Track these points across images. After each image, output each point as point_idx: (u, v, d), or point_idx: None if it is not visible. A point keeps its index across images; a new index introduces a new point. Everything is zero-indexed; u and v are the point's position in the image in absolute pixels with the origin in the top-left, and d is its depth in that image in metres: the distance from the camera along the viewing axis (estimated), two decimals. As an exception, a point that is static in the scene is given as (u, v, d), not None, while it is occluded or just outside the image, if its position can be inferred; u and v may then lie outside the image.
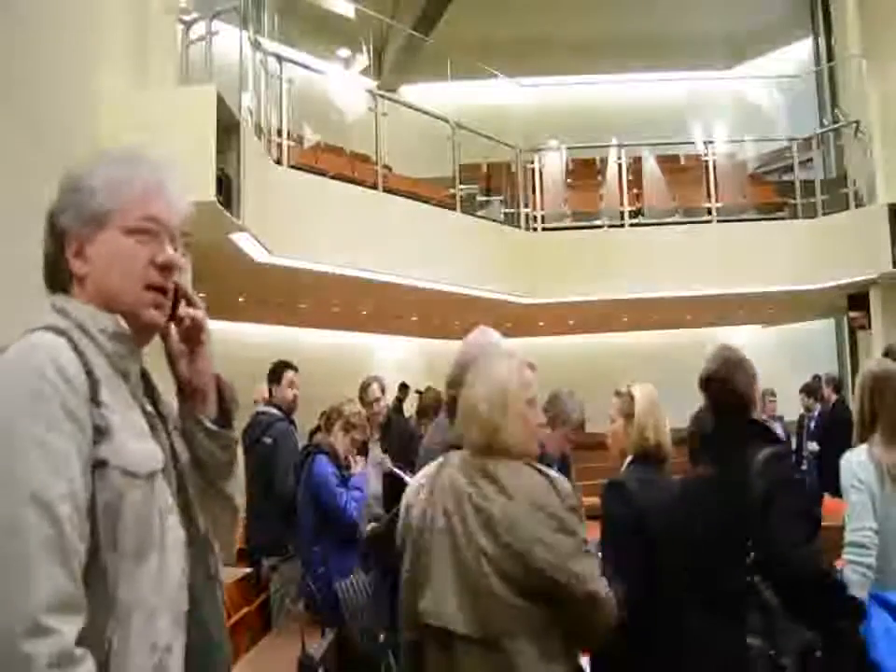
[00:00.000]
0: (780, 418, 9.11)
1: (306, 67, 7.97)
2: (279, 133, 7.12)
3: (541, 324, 11.29)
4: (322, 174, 7.53)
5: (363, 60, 11.53)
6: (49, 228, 1.29)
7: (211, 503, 1.36)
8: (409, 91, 12.56)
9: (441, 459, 2.16)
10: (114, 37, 4.67)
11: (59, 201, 1.28)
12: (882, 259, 8.70)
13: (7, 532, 1.04)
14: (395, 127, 8.68)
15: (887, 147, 9.25)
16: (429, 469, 2.17)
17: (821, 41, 12.33)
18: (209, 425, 1.35)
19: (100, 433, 1.14)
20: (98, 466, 1.13)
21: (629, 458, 2.67)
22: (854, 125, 9.93)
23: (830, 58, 11.99)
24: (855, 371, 9.77)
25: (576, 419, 3.60)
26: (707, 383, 2.70)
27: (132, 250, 1.25)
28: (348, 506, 4.09)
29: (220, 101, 4.81)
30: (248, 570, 4.69)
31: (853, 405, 2.85)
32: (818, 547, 2.43)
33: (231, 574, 4.67)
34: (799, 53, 13.18)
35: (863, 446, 2.75)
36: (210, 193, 4.58)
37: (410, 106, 9.85)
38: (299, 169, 7.19)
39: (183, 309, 1.31)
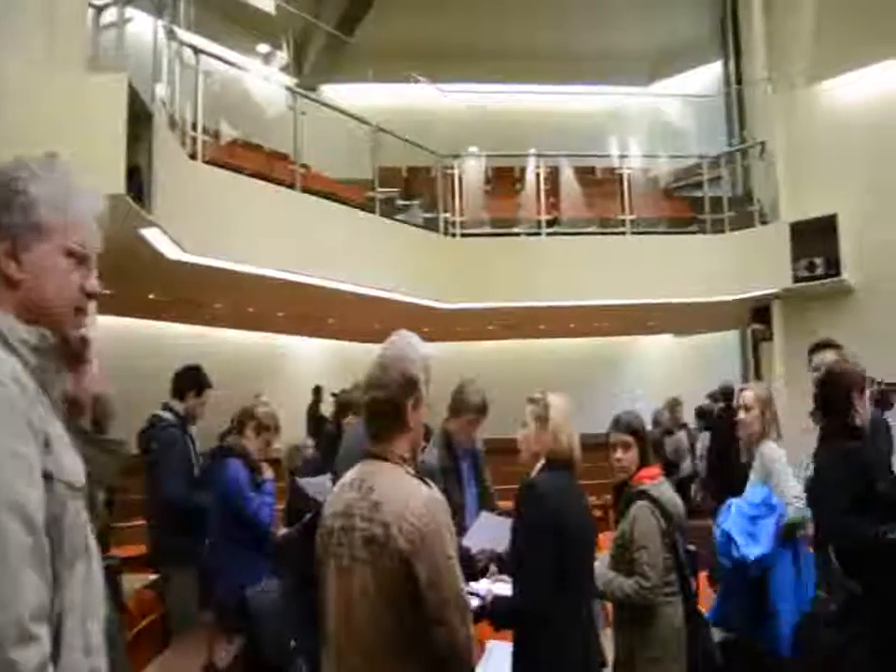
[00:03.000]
0: (685, 425, 9.43)
1: (224, 61, 7.78)
2: (194, 126, 6.91)
3: (459, 329, 11.34)
4: (239, 170, 7.36)
5: (283, 57, 11.34)
6: None
7: None
8: (329, 91, 12.45)
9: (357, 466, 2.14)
10: (20, 20, 4.46)
11: None
12: (783, 275, 9.14)
13: None
14: (314, 126, 8.57)
15: (789, 169, 9.71)
16: (347, 476, 2.15)
17: (731, 64, 12.81)
18: (99, 436, 1.42)
19: (45, 445, 1.16)
20: (46, 477, 1.15)
21: (541, 463, 2.71)
22: (760, 146, 10.38)
23: (739, 81, 12.48)
24: (758, 379, 10.18)
25: (475, 403, 3.65)
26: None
27: (68, 272, 1.28)
28: (260, 511, 4.01)
29: (132, 90, 4.65)
30: (153, 577, 4.54)
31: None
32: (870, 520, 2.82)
33: (137, 581, 4.52)
34: (711, 75, 13.68)
35: None
36: (119, 186, 4.42)
37: (329, 106, 9.74)
38: (214, 165, 7.00)
39: None
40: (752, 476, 3.62)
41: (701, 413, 9.30)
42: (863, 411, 3.14)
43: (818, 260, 9.01)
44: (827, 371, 3.33)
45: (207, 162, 6.90)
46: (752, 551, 3.25)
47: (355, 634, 1.97)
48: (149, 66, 5.99)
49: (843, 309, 8.94)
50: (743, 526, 3.31)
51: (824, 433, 3.23)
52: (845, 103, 9.41)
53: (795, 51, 9.52)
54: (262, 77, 9.17)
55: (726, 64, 13.05)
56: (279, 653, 3.74)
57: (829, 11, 8.81)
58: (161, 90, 6.19)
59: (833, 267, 8.94)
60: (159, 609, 4.44)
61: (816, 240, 9.00)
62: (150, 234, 5.33)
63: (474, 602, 2.58)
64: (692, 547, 3.14)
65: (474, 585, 2.95)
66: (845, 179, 9.08)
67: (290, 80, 11.27)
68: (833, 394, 3.16)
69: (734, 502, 3.46)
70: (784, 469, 3.57)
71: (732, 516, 3.37)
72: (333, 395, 6.78)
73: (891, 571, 2.71)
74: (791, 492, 3.46)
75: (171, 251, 5.87)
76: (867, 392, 3.26)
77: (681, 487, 7.61)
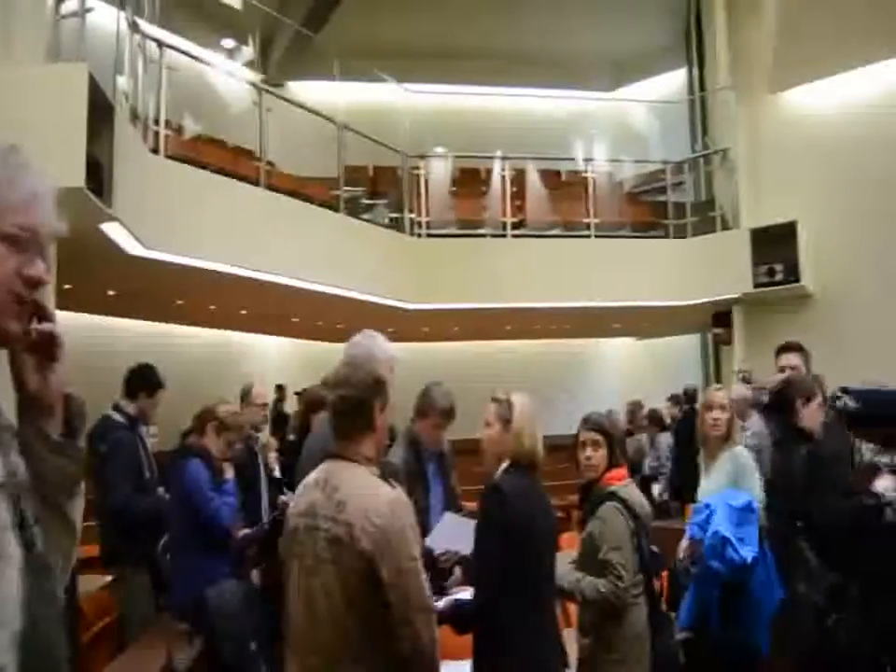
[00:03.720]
0: (644, 427, 9.52)
1: (188, 55, 7.66)
2: (156, 120, 6.78)
3: (426, 329, 11.32)
4: (202, 166, 7.25)
5: (249, 52, 11.23)
6: None
7: (50, 525, 1.26)
8: (295, 88, 12.35)
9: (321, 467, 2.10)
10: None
11: None
12: (743, 281, 9.29)
13: None
14: (280, 123, 8.48)
15: (750, 176, 9.88)
16: (311, 475, 2.11)
17: (695, 72, 12.98)
18: (57, 439, 1.27)
19: None
20: None
21: (505, 464, 2.70)
22: (722, 153, 10.53)
23: (702, 88, 12.64)
24: (718, 382, 10.33)
25: (441, 406, 3.62)
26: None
27: (2, 256, 1.17)
28: (220, 512, 3.95)
29: (92, 81, 4.54)
30: (109, 578, 4.45)
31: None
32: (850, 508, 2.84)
33: (92, 583, 4.43)
34: (675, 81, 13.85)
35: None
36: (79, 179, 4.31)
37: (295, 103, 9.62)
38: (177, 160, 6.88)
39: (35, 324, 1.23)
40: (715, 477, 3.65)
41: (653, 418, 9.37)
42: (807, 416, 3.32)
43: (777, 266, 9.17)
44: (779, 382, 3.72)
45: (170, 157, 6.78)
46: (748, 554, 3.28)
47: (316, 634, 1.95)
48: (111, 58, 5.87)
49: (802, 314, 9.11)
50: (734, 530, 3.33)
51: (777, 439, 3.36)
52: (805, 112, 9.59)
53: (758, 60, 9.67)
54: (227, 73, 9.06)
55: (690, 71, 13.21)
56: (239, 655, 3.70)
57: (792, 22, 8.96)
58: (123, 82, 6.08)
59: (793, 273, 9.11)
60: (115, 611, 4.35)
61: (776, 246, 9.17)
62: (110, 229, 5.22)
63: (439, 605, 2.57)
64: (654, 548, 3.15)
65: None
66: (805, 187, 9.26)
67: (256, 76, 11.16)
68: (779, 402, 3.42)
69: (714, 505, 3.46)
70: (755, 473, 3.64)
71: (720, 520, 3.37)
72: (297, 393, 6.73)
73: (876, 561, 2.73)
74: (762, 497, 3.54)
75: (131, 246, 5.76)
76: (817, 399, 3.34)
77: (642, 487, 7.68)
